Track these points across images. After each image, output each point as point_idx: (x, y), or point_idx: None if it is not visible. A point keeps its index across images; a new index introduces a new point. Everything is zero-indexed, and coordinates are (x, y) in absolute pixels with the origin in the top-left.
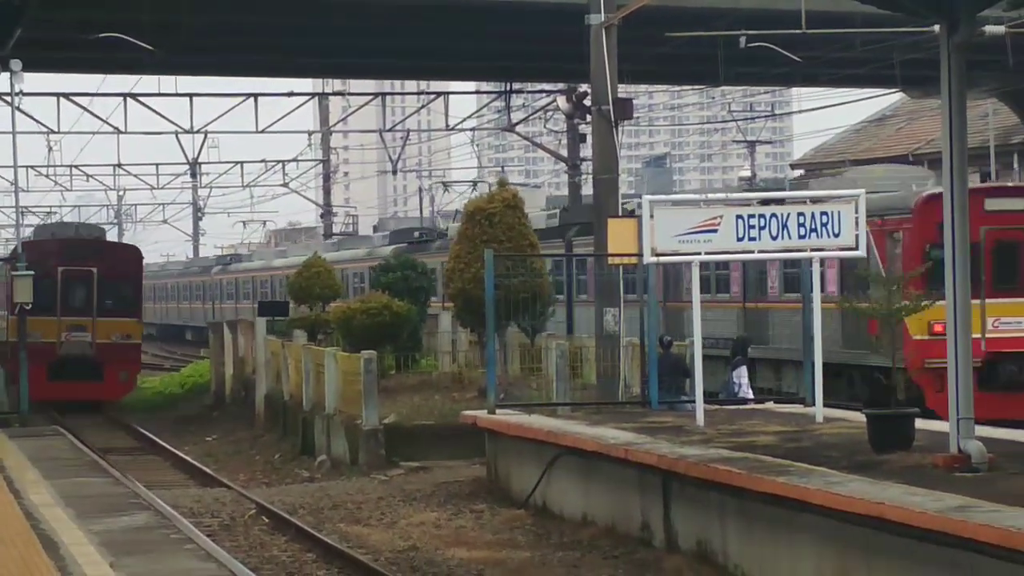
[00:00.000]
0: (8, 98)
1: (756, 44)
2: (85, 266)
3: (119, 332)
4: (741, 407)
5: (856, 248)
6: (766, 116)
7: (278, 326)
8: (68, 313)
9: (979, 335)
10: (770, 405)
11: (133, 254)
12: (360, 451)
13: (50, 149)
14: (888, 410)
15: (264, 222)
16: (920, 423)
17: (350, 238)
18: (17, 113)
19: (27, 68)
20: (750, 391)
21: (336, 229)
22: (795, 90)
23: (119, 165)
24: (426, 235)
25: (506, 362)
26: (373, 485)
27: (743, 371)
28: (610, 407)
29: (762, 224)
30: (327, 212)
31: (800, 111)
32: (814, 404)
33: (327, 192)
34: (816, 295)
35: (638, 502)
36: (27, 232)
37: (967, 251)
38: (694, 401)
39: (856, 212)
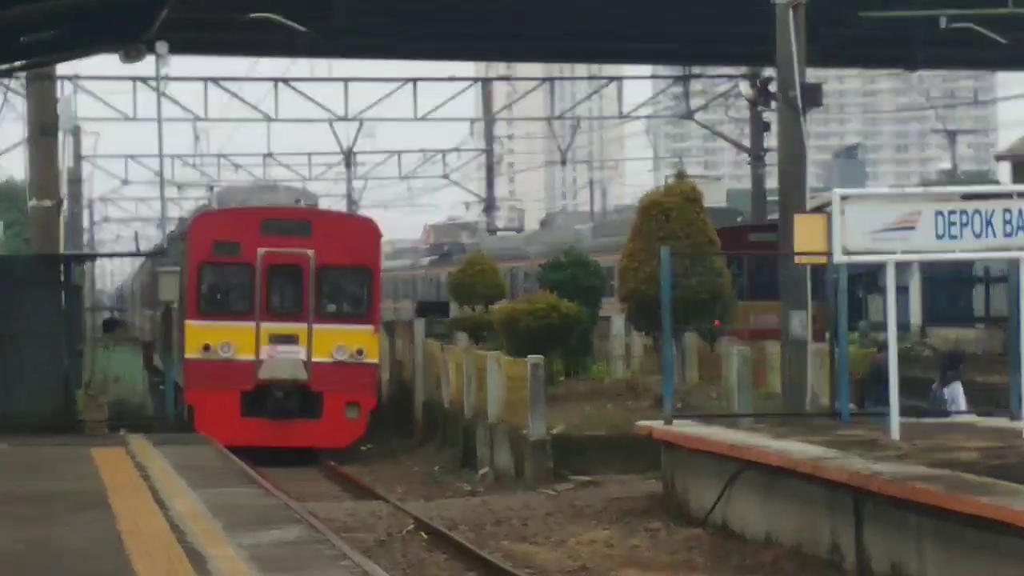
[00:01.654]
0: (153, 83)
1: (958, 24)
2: (296, 247)
3: (346, 346)
4: (941, 420)
5: None
6: (968, 103)
7: (437, 328)
8: (272, 318)
9: None
10: (972, 419)
11: (366, 231)
12: (526, 463)
13: (197, 137)
14: None
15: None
16: None
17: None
18: (163, 99)
19: (173, 51)
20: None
21: (500, 224)
22: (1000, 75)
23: (269, 154)
24: (451, 249)
25: (684, 369)
26: (540, 500)
27: (958, 389)
28: (796, 419)
29: (964, 221)
30: (490, 206)
31: (1006, 98)
32: (1021, 418)
33: (490, 184)
34: (1023, 298)
35: (827, 522)
36: (181, 207)
37: None
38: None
39: None
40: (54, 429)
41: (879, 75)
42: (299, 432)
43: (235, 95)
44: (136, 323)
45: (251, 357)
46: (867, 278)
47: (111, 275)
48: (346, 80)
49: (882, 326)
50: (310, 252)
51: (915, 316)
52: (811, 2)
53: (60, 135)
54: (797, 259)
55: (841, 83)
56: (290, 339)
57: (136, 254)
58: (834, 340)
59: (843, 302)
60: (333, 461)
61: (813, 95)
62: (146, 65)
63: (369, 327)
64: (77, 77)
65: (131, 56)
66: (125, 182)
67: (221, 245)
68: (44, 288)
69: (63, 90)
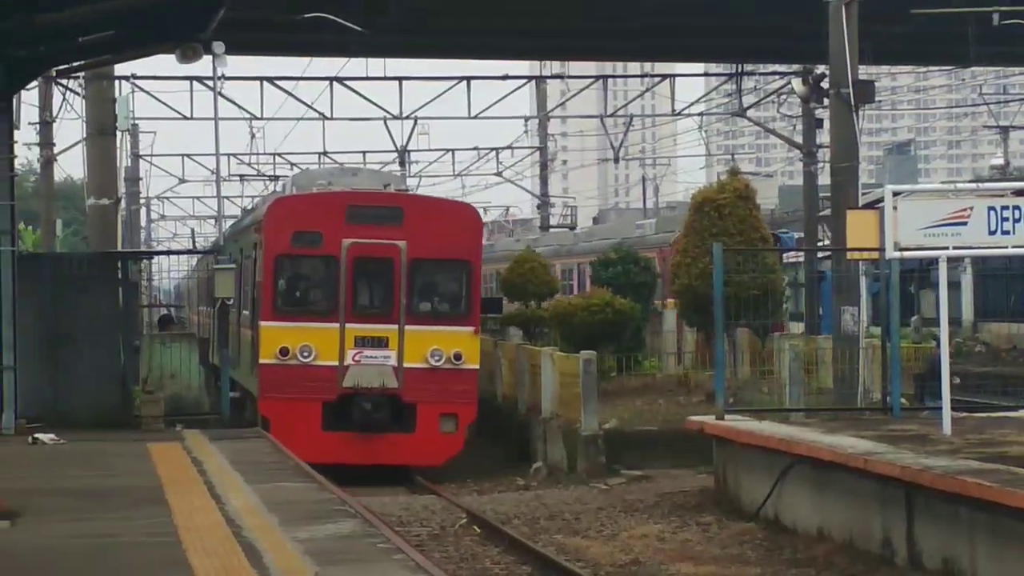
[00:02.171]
0: (210, 83)
1: (1011, 21)
2: (387, 238)
3: (443, 350)
4: (992, 415)
5: None
6: (1021, 99)
7: (490, 324)
8: (358, 318)
9: None
10: (1023, 413)
11: (466, 220)
12: (579, 458)
13: (253, 136)
14: None
15: (507, 208)
16: None
17: None
18: (219, 98)
19: (230, 51)
20: None
21: (553, 221)
22: None
23: (324, 153)
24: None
25: (735, 364)
26: (592, 494)
27: None
28: (847, 414)
29: (1016, 216)
30: (544, 203)
31: None
32: None
33: (544, 181)
34: None
35: (878, 517)
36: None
37: None
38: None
39: None
40: (111, 425)
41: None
42: (388, 448)
43: (290, 94)
44: (193, 320)
45: (334, 363)
46: (919, 274)
47: (168, 272)
48: (400, 79)
49: (934, 322)
50: (402, 243)
51: (967, 311)
52: None
53: (118, 134)
54: (849, 255)
55: (893, 79)
56: (379, 342)
57: (192, 252)
58: (886, 335)
59: (895, 298)
60: (423, 478)
61: (865, 92)
62: (202, 65)
63: (469, 329)
64: (134, 77)
65: (188, 56)
66: (182, 180)
67: (301, 235)
68: (102, 285)
69: (120, 90)
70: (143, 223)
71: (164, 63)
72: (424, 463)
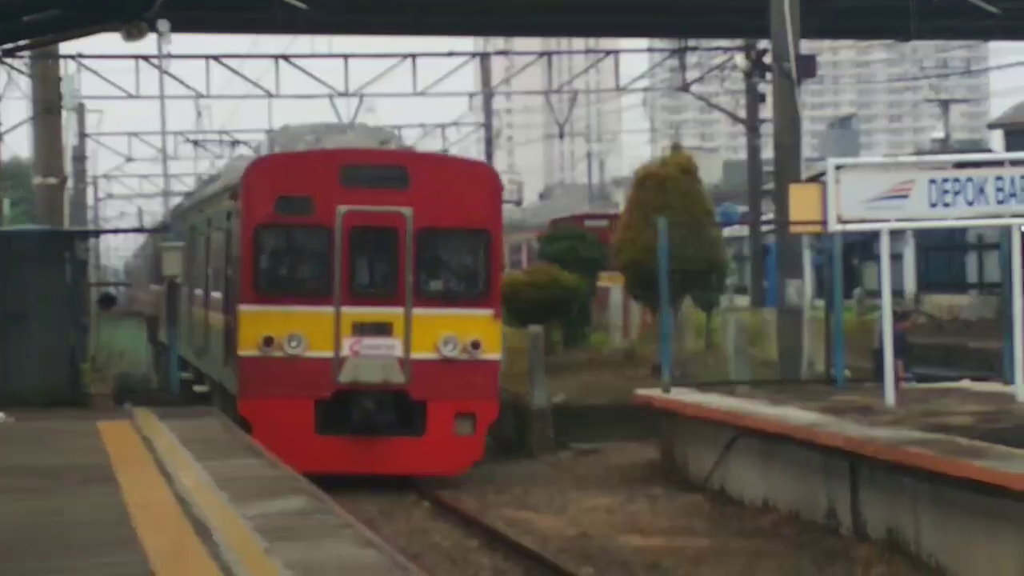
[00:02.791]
0: (156, 61)
1: None
2: (390, 204)
3: (458, 337)
4: (935, 385)
5: None
6: (961, 73)
7: None
8: (357, 300)
9: None
10: (965, 384)
11: (482, 181)
12: (528, 432)
13: (199, 114)
14: None
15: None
16: None
17: None
18: (165, 77)
19: (175, 29)
20: None
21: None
22: (993, 44)
23: (271, 130)
24: None
25: (681, 338)
26: (542, 468)
27: None
28: (792, 386)
29: (957, 189)
30: None
31: (999, 67)
32: (1014, 382)
33: (489, 157)
34: (1016, 267)
35: (823, 487)
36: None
37: None
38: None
39: None
40: (60, 403)
41: (873, 46)
42: (394, 454)
43: (236, 72)
44: (141, 298)
45: (329, 354)
46: (862, 246)
47: (115, 251)
48: (346, 56)
49: (877, 294)
50: (407, 210)
51: (910, 284)
52: None
53: (64, 113)
54: (792, 228)
55: (835, 54)
56: (381, 329)
57: (140, 230)
58: (829, 308)
59: (838, 270)
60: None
61: (807, 66)
62: (148, 43)
63: (488, 311)
64: (80, 56)
65: (133, 34)
66: (129, 159)
67: (288, 201)
68: (49, 264)
69: (66, 69)
70: (90, 202)
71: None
72: (436, 472)
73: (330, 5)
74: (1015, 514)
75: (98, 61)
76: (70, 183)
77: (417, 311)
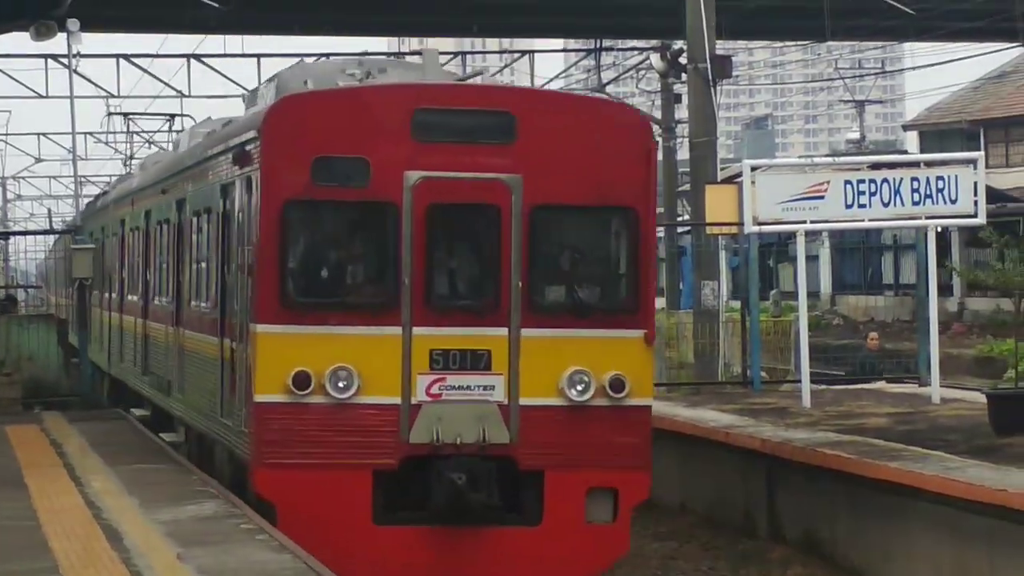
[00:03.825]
0: (65, 61)
1: None
2: (486, 170)
3: (590, 373)
4: (850, 387)
5: (975, 215)
6: (876, 73)
7: None
8: (436, 316)
9: None
10: (881, 385)
11: (628, 134)
12: None
13: (109, 114)
14: (1011, 389)
15: None
16: None
17: None
18: (74, 76)
19: (85, 28)
20: None
21: None
22: (907, 45)
23: (180, 130)
24: None
25: None
26: None
27: None
28: (709, 388)
29: (872, 190)
30: None
31: (913, 68)
32: (930, 383)
33: None
34: (932, 266)
35: (740, 489)
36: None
37: None
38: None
39: (976, 176)
40: None
41: (788, 47)
42: (494, 553)
43: (147, 71)
44: (51, 301)
45: (394, 399)
46: (778, 248)
47: (24, 253)
48: (259, 56)
49: (793, 295)
50: (514, 179)
51: (825, 285)
52: None
53: None
54: (708, 229)
55: (750, 55)
56: (475, 359)
57: (50, 232)
58: (746, 309)
59: (754, 272)
60: None
61: (723, 67)
62: (57, 42)
63: (636, 333)
64: None
65: (42, 33)
66: (38, 159)
67: (331, 165)
68: None
69: None
70: None
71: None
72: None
73: (241, 4)
74: (930, 515)
75: (6, 60)
76: None
77: (529, 333)
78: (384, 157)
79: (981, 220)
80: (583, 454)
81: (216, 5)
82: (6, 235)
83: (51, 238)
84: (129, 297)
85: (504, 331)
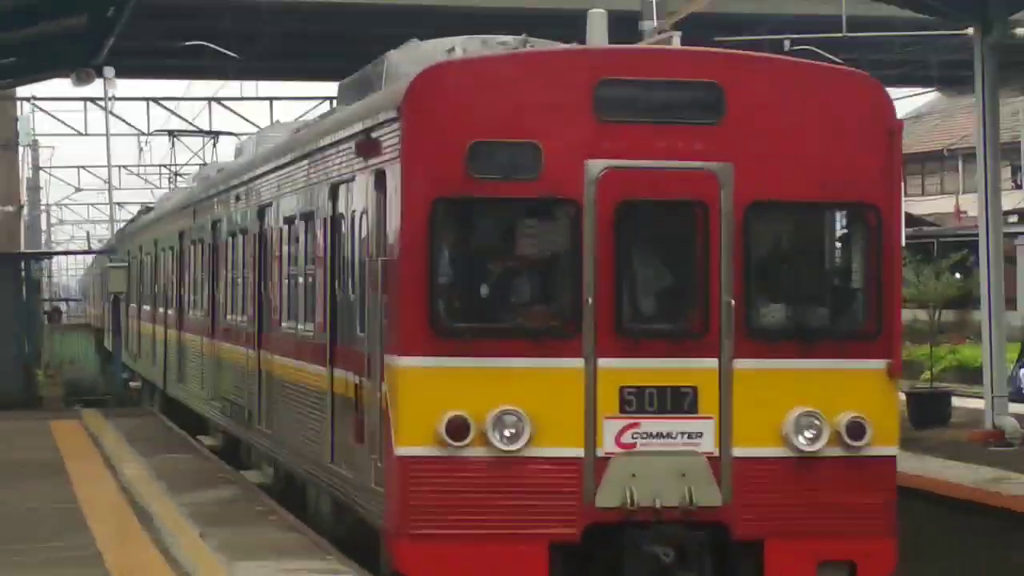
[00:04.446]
0: (102, 103)
1: (800, 47)
2: (688, 158)
3: (821, 416)
4: None
5: None
6: None
7: None
8: (628, 344)
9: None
10: None
11: (861, 109)
12: None
13: (140, 149)
14: (927, 388)
15: None
16: (956, 401)
17: None
18: (110, 117)
19: (119, 75)
20: None
21: None
22: None
23: (204, 164)
24: None
25: None
26: None
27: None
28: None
29: None
30: None
31: None
32: None
33: None
34: None
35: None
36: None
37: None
38: None
39: None
40: (16, 405)
41: None
42: None
43: (173, 112)
44: (89, 312)
45: (574, 451)
46: None
47: (65, 271)
48: (271, 99)
49: None
50: (723, 168)
51: None
52: (672, 29)
53: (20, 149)
54: None
55: None
56: (676, 399)
57: (88, 252)
58: None
59: None
60: None
61: None
62: (95, 87)
63: (879, 363)
64: (34, 98)
65: (82, 80)
66: (78, 189)
67: (492, 152)
68: (5, 283)
69: (22, 109)
70: (44, 227)
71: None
72: None
73: (256, 53)
74: None
75: (50, 103)
76: (26, 211)
77: (744, 364)
78: (560, 142)
79: (900, 242)
80: (813, 518)
81: (233, 55)
82: (50, 255)
83: (89, 257)
84: (190, 314)
85: (714, 362)
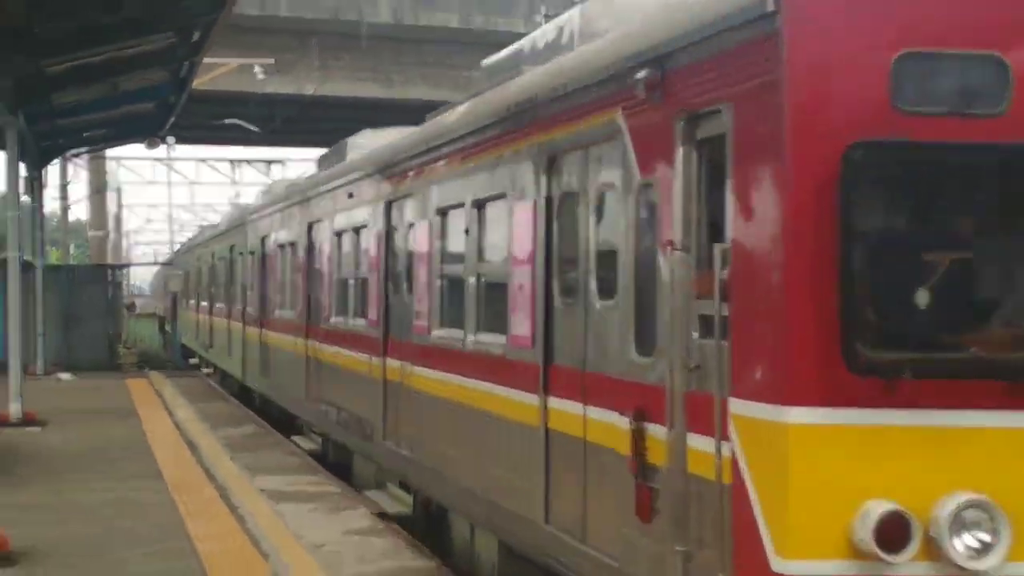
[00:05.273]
0: (167, 161)
1: None
2: None
3: None
4: None
5: None
6: None
7: None
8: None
9: None
10: None
11: None
12: None
13: (192, 193)
14: None
15: None
16: None
17: None
18: (171, 171)
19: (179, 141)
20: None
21: None
22: None
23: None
24: None
25: None
26: None
27: None
28: None
29: None
30: None
31: None
32: None
33: None
34: None
35: None
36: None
37: None
38: None
39: None
40: (103, 369)
41: None
42: None
43: (215, 168)
44: (157, 305)
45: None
46: None
47: (139, 278)
48: (284, 161)
49: None
50: None
51: None
52: None
53: (108, 192)
54: None
55: None
56: None
57: (155, 263)
58: None
59: None
60: None
61: None
62: (161, 150)
63: None
64: (119, 157)
65: (152, 144)
66: (149, 220)
67: (931, 69)
68: (96, 285)
69: (110, 164)
70: (124, 247)
71: (138, 148)
72: None
73: (272, 128)
74: None
75: (128, 160)
76: (112, 235)
77: None
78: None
79: None
80: None
81: (255, 129)
82: (128, 265)
83: (155, 268)
84: (277, 313)
85: None
